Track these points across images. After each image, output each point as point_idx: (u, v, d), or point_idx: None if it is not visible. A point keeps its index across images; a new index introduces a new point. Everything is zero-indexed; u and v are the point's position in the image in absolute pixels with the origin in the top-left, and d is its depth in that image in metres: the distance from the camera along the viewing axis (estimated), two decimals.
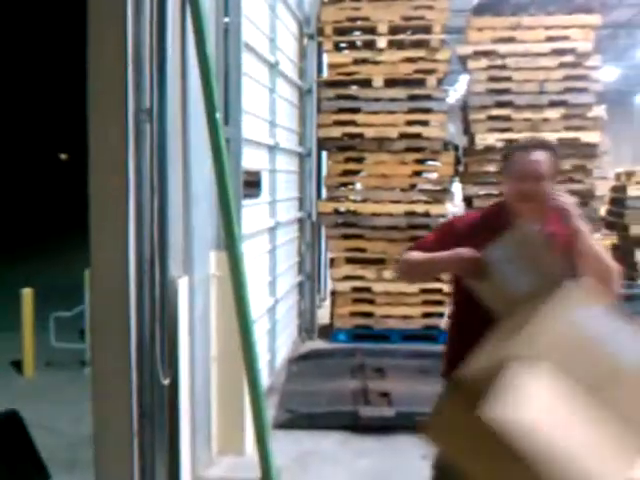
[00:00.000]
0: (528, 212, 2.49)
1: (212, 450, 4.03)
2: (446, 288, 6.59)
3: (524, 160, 2.50)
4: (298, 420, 4.59)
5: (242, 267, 3.76)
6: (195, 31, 3.61)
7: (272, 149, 5.58)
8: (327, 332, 6.91)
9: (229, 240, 3.75)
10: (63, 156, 30.14)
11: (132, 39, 3.16)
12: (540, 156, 2.49)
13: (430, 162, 6.84)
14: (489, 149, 6.77)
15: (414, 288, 6.50)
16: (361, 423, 4.55)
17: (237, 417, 4.11)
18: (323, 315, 7.36)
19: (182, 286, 3.34)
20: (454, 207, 8.29)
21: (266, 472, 3.86)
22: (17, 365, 7.22)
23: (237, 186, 4.29)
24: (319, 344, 6.67)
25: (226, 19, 4.43)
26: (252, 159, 4.89)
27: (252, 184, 4.83)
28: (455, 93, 15.42)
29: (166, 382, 3.10)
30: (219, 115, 3.68)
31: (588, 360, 1.91)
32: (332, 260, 6.87)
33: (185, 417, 3.36)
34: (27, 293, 7.42)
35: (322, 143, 6.99)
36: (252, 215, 4.84)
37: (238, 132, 4.45)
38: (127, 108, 3.13)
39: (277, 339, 5.69)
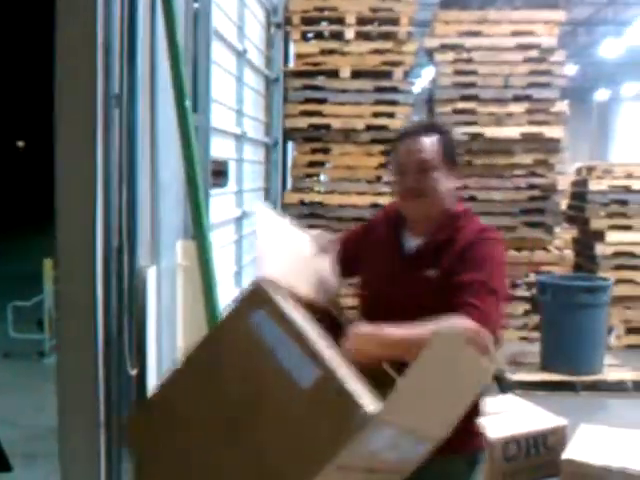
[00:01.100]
0: (414, 213, 2.14)
1: None
2: None
3: (406, 149, 2.11)
4: None
5: (210, 257, 3.71)
6: (165, 16, 3.54)
7: (239, 138, 5.54)
8: None
9: (197, 229, 3.69)
10: (20, 144, 29.56)
11: (102, 23, 3.09)
12: (425, 143, 2.08)
13: None
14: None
15: None
16: None
17: None
18: None
19: (150, 275, 3.29)
20: None
21: None
22: None
23: (205, 175, 4.24)
24: None
25: (195, 5, 4.37)
26: (219, 148, 4.84)
27: (219, 173, 4.78)
28: (418, 85, 15.50)
29: (133, 372, 3.06)
30: (188, 103, 3.63)
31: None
32: None
33: None
34: None
35: (288, 133, 6.96)
36: (218, 205, 4.79)
37: (206, 120, 4.40)
38: (96, 94, 3.06)
39: None
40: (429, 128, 2.17)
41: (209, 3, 4.46)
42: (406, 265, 2.13)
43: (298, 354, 1.62)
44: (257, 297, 1.76)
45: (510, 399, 4.32)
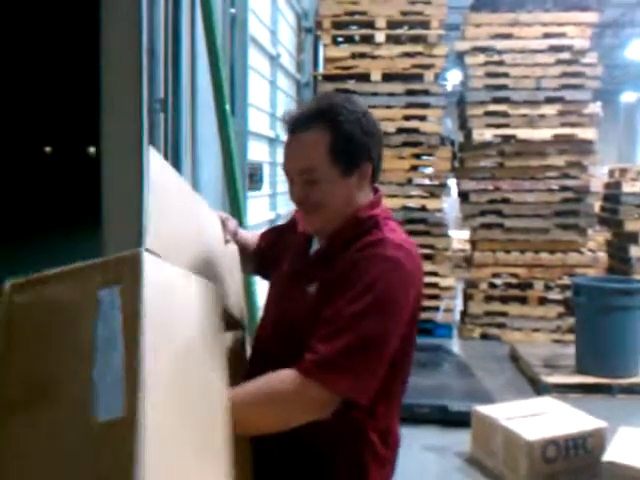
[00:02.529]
0: (307, 226, 1.71)
1: None
2: (442, 282, 6.66)
3: (288, 151, 1.67)
4: None
5: None
6: (205, 22, 3.60)
7: (272, 142, 5.59)
8: None
9: None
10: (47, 149, 29.93)
11: (146, 28, 3.15)
12: (307, 144, 1.60)
13: (427, 157, 6.87)
14: (486, 144, 6.81)
15: None
16: None
17: None
18: None
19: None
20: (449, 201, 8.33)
21: None
22: None
23: (243, 178, 4.29)
24: None
25: (232, 10, 4.42)
26: (254, 151, 4.90)
27: (254, 176, 4.83)
28: (447, 88, 15.46)
29: None
30: (228, 106, 3.68)
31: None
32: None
33: None
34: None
35: None
36: (253, 207, 4.84)
37: (244, 124, 4.45)
38: (141, 98, 3.11)
39: None
40: (316, 116, 1.61)
41: (245, 9, 4.52)
42: (294, 277, 1.73)
43: (117, 372, 1.22)
44: (123, 267, 1.31)
45: (547, 401, 4.30)
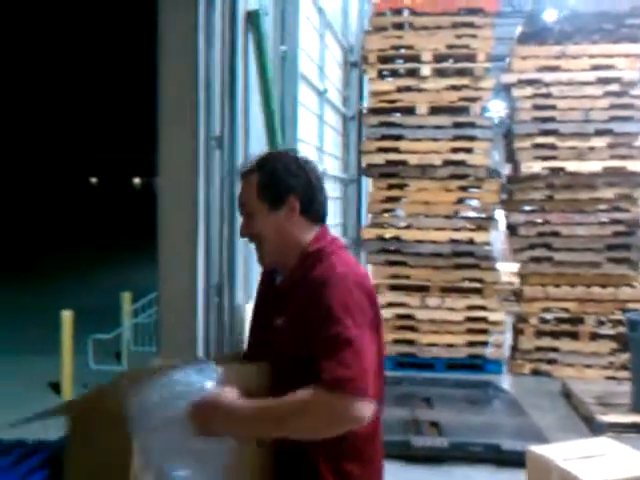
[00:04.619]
0: (257, 257, 2.05)
1: None
2: (491, 316, 6.56)
3: (238, 192, 2.08)
4: None
5: None
6: (258, 59, 3.65)
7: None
8: None
9: None
10: (93, 180, 30.56)
11: (203, 65, 3.19)
12: (243, 186, 2.01)
13: (474, 189, 6.83)
14: (534, 177, 6.75)
15: (459, 316, 6.48)
16: (413, 453, 4.49)
17: None
18: None
19: (248, 312, 3.33)
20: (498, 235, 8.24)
21: None
22: (55, 387, 7.26)
23: None
24: None
25: (282, 48, 4.47)
26: None
27: None
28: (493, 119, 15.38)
29: None
30: (280, 142, 3.71)
31: None
32: (375, 287, 6.84)
33: None
34: (67, 316, 7.49)
35: (365, 170, 7.00)
36: None
37: None
38: (198, 135, 3.15)
39: None
40: (253, 166, 2.01)
41: (295, 46, 4.57)
42: (265, 313, 2.04)
43: None
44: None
45: (605, 442, 4.18)
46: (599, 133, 6.67)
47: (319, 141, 5.58)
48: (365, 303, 1.84)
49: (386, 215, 6.91)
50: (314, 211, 1.98)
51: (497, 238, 8.75)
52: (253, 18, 3.51)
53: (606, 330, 6.50)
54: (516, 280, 7.24)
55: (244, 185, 2.00)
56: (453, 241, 6.62)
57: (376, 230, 6.81)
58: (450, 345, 6.53)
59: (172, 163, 3.16)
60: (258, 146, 3.71)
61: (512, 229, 6.95)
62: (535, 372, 6.51)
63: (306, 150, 5.03)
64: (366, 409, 1.72)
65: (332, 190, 6.32)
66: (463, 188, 6.75)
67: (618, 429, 4.88)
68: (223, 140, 3.23)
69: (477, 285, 6.54)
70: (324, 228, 2.01)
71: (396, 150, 6.74)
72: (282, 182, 1.93)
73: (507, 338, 6.97)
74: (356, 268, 1.92)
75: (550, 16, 7.35)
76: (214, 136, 3.17)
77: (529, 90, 6.83)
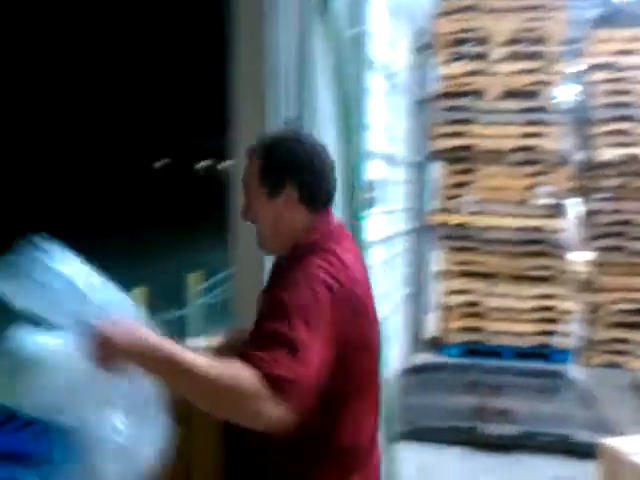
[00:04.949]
0: (260, 248, 1.96)
1: None
2: (561, 305, 6.43)
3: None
4: (417, 433, 4.54)
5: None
6: (328, 41, 3.65)
7: (388, 160, 5.58)
8: (436, 346, 6.83)
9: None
10: (158, 164, 31.16)
11: (275, 48, 3.21)
12: (248, 166, 1.91)
13: (545, 176, 6.69)
14: (607, 164, 6.57)
15: (527, 304, 6.38)
16: (482, 440, 4.46)
17: None
18: (431, 329, 7.29)
19: None
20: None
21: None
22: None
23: (363, 198, 4.29)
24: (429, 358, 6.59)
25: (352, 31, 4.45)
26: (371, 170, 4.89)
27: (371, 195, 4.83)
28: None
29: None
30: (351, 127, 3.71)
31: None
32: (443, 273, 6.79)
33: None
34: (140, 292, 7.65)
35: (434, 155, 6.93)
36: (371, 225, 4.83)
37: (362, 144, 4.46)
38: (269, 118, 3.17)
39: (388, 351, 5.66)
40: (258, 148, 1.90)
41: (366, 28, 4.54)
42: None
43: None
44: None
45: None
46: None
47: (387, 125, 5.54)
48: (330, 313, 1.67)
49: (455, 201, 6.83)
50: (317, 199, 1.88)
51: (568, 226, 8.56)
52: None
53: None
54: (588, 269, 7.08)
55: (248, 166, 1.90)
56: (523, 228, 6.51)
57: (444, 216, 6.75)
58: (518, 333, 6.44)
59: (244, 146, 3.19)
60: (329, 129, 3.72)
61: (584, 217, 6.79)
62: (605, 363, 6.37)
63: (375, 135, 5.01)
64: (286, 418, 1.56)
65: (400, 174, 6.28)
66: (534, 174, 6.61)
67: None
68: (294, 123, 3.24)
69: (547, 273, 6.41)
70: (326, 218, 1.90)
71: (466, 135, 6.65)
72: (283, 168, 1.85)
73: (576, 328, 6.84)
74: (343, 270, 1.75)
75: None
76: (285, 119, 3.19)
77: (603, 74, 6.64)
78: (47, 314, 1.63)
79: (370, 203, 4.93)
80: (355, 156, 3.75)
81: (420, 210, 7.04)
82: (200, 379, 1.54)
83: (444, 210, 6.79)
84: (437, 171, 7.19)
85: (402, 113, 6.35)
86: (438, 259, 7.09)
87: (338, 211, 4.01)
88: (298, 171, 1.85)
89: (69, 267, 1.69)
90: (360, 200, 3.77)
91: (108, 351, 1.58)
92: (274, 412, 1.54)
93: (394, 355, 5.86)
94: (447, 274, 6.67)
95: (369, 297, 1.88)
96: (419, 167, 7.03)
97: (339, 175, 3.69)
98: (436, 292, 7.14)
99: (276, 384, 1.53)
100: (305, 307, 1.64)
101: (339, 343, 1.70)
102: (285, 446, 1.75)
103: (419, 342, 7.02)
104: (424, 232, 7.09)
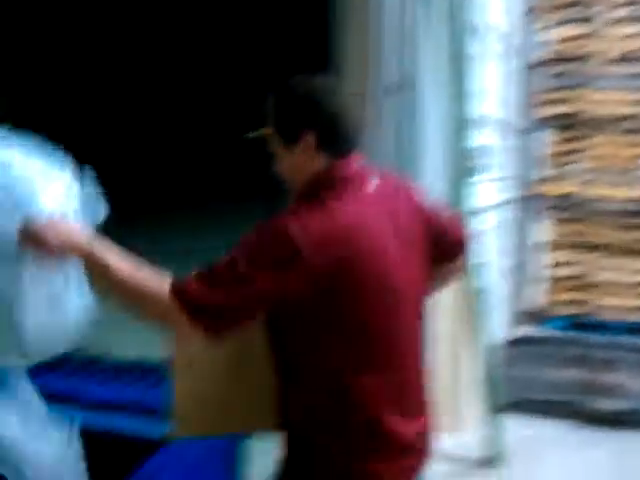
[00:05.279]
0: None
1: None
2: None
3: None
4: (521, 405, 4.47)
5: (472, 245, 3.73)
6: (438, 7, 3.58)
7: (495, 126, 5.45)
8: (540, 319, 6.66)
9: (465, 216, 3.72)
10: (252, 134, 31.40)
11: (383, 11, 3.17)
12: (266, 119, 1.90)
13: None
14: None
15: (637, 278, 6.13)
16: (588, 415, 4.34)
17: (461, 394, 4.07)
18: (535, 301, 7.10)
19: None
20: None
21: (494, 453, 3.80)
22: None
23: (470, 164, 4.23)
24: (532, 331, 6.44)
25: None
26: (479, 136, 4.80)
27: (480, 161, 4.74)
28: None
29: None
30: (460, 93, 3.65)
31: None
32: (548, 244, 6.60)
33: None
34: None
35: (543, 121, 6.71)
36: (481, 192, 4.76)
37: (469, 109, 4.37)
38: (375, 82, 3.15)
39: (490, 322, 5.57)
40: (270, 100, 1.88)
41: None
42: None
43: None
44: None
45: None
46: None
47: (496, 90, 5.41)
48: (290, 261, 1.66)
49: (562, 170, 6.60)
50: (336, 144, 1.83)
51: None
52: None
53: None
54: None
55: (266, 119, 1.89)
56: (635, 199, 6.23)
57: (551, 185, 6.53)
58: (628, 308, 6.19)
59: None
60: (437, 94, 3.67)
61: None
62: None
63: (483, 100, 4.90)
64: (194, 335, 1.68)
65: (505, 141, 6.11)
66: None
67: None
68: (401, 87, 3.21)
69: None
70: (344, 163, 1.83)
71: (575, 101, 6.40)
72: (296, 116, 1.82)
73: None
74: (328, 222, 1.72)
75: None
76: (391, 83, 3.16)
77: None
78: None
79: (478, 170, 4.85)
80: (464, 122, 3.69)
81: (526, 179, 6.84)
82: (118, 282, 1.69)
83: (551, 179, 6.57)
84: (544, 139, 6.96)
85: (511, 78, 6.17)
86: (543, 230, 6.90)
87: (444, 177, 3.96)
88: (313, 117, 1.80)
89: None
90: (467, 166, 3.72)
91: (40, 249, 1.75)
92: (178, 323, 1.67)
93: (497, 326, 5.76)
94: (553, 245, 6.48)
95: (377, 249, 1.78)
96: (526, 134, 6.82)
97: (448, 141, 3.67)
98: (541, 264, 6.95)
99: (180, 298, 1.65)
100: (251, 247, 1.70)
101: (312, 295, 1.69)
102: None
103: (522, 314, 6.86)
104: (530, 202, 6.89)
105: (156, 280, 1.68)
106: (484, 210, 5.03)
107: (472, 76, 4.38)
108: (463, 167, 3.64)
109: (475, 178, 4.86)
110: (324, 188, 1.78)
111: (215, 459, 2.45)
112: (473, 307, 3.67)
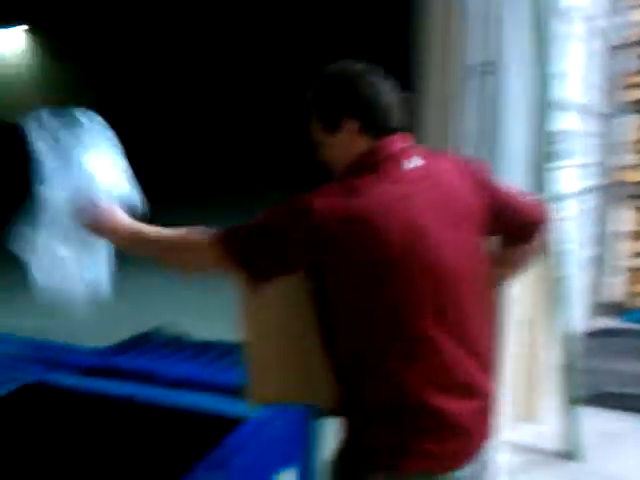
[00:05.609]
0: None
1: (513, 414, 3.95)
2: None
3: None
4: (600, 398, 4.35)
5: (560, 230, 3.64)
6: None
7: (578, 109, 5.29)
8: (619, 310, 6.48)
9: (550, 202, 3.63)
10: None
11: None
12: (310, 110, 1.91)
13: None
14: None
15: None
16: None
17: (540, 385, 3.98)
18: (614, 292, 6.91)
19: None
20: None
21: (571, 446, 3.72)
22: None
23: (553, 149, 4.11)
24: (611, 322, 6.27)
25: None
26: (559, 119, 4.66)
27: (561, 146, 4.60)
28: None
29: None
30: (544, 75, 3.55)
31: None
32: (629, 234, 6.39)
33: (508, 376, 3.29)
34: None
35: (626, 106, 6.48)
36: (562, 178, 4.62)
37: (554, 91, 4.24)
38: (462, 59, 3.09)
39: (569, 312, 5.43)
40: (310, 88, 1.89)
41: None
42: None
43: None
44: None
45: None
46: None
47: (576, 73, 5.23)
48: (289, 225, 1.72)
49: None
50: (377, 127, 1.81)
51: None
52: None
53: None
54: None
55: (310, 110, 1.89)
56: None
57: (634, 173, 6.32)
58: None
59: (435, 90, 3.13)
60: (521, 76, 3.56)
61: None
62: None
63: (567, 83, 4.75)
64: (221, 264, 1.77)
65: (590, 126, 5.93)
66: None
67: None
68: (488, 68, 3.14)
69: None
70: (381, 143, 1.81)
71: None
72: (335, 106, 1.82)
73: None
74: (355, 200, 1.70)
75: None
76: (474, 65, 3.10)
77: None
78: (58, 173, 2.02)
79: (560, 155, 4.71)
80: (547, 105, 3.58)
81: (608, 166, 6.63)
82: (162, 243, 1.89)
83: (634, 167, 6.35)
84: (629, 124, 6.72)
85: (594, 61, 5.97)
86: (624, 219, 6.68)
87: (526, 161, 3.86)
88: (351, 102, 1.80)
89: (96, 143, 2.07)
90: (550, 151, 3.62)
91: (92, 225, 2.02)
92: (223, 269, 1.78)
93: (575, 317, 5.61)
94: (634, 235, 6.27)
95: (413, 227, 1.72)
96: (609, 119, 6.60)
97: (531, 124, 3.57)
98: (620, 254, 6.74)
99: (225, 243, 1.76)
100: (277, 216, 1.74)
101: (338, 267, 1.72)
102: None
103: (600, 306, 6.68)
104: (611, 189, 6.68)
105: (197, 232, 1.83)
106: (565, 197, 4.90)
107: (556, 58, 4.25)
108: (546, 151, 3.53)
109: (557, 164, 4.74)
110: (364, 168, 1.78)
111: (293, 436, 2.47)
112: (554, 295, 3.57)
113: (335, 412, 1.94)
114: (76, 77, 25.53)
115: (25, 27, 28.10)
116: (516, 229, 1.99)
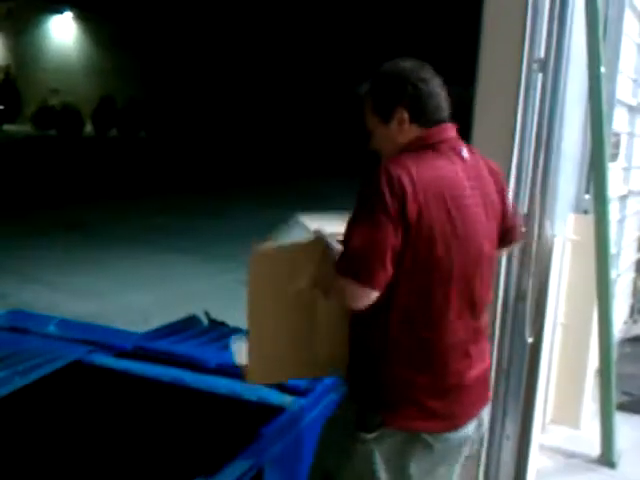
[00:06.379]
0: None
1: (546, 417, 3.92)
2: None
3: None
4: (637, 404, 4.29)
5: (608, 233, 3.56)
6: None
7: (632, 110, 5.18)
8: None
9: (598, 204, 3.56)
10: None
11: None
12: (364, 102, 2.06)
13: None
14: None
15: None
16: None
17: (576, 388, 3.94)
18: None
19: (557, 245, 3.22)
20: None
21: (607, 451, 3.68)
22: None
23: (607, 148, 4.03)
24: None
25: None
26: (614, 119, 4.56)
27: (612, 147, 4.51)
28: None
29: (530, 340, 3.03)
30: (603, 71, 3.47)
31: None
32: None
33: (543, 379, 3.27)
34: None
35: None
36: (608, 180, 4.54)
37: (611, 91, 4.15)
38: (522, 56, 3.04)
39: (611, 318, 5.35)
40: (367, 82, 2.05)
41: None
42: None
43: None
44: None
45: None
46: None
47: (635, 72, 5.10)
48: (383, 193, 1.81)
49: None
50: (427, 117, 1.97)
51: None
52: None
53: None
54: None
55: (364, 102, 2.05)
56: None
57: None
58: None
59: (493, 85, 3.08)
60: (579, 72, 3.49)
61: None
62: None
63: (621, 82, 4.66)
64: (355, 291, 1.82)
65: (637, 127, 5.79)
66: None
67: None
68: (547, 64, 3.08)
69: None
70: (432, 130, 1.97)
71: None
72: (387, 96, 1.98)
73: None
74: (419, 168, 1.86)
75: None
76: (538, 58, 3.04)
77: None
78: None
79: (613, 155, 4.62)
80: (601, 105, 3.51)
81: None
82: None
83: None
84: None
85: None
86: None
87: (582, 159, 3.80)
88: (402, 94, 1.95)
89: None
90: (606, 151, 3.55)
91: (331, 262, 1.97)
92: (355, 292, 1.83)
93: (616, 321, 5.51)
94: None
95: (467, 202, 1.91)
96: None
97: (588, 122, 3.50)
98: None
99: (345, 273, 1.83)
100: (368, 195, 1.84)
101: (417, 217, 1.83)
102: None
103: (638, 312, 6.55)
104: None
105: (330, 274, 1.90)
106: (615, 198, 4.82)
107: (616, 57, 4.16)
108: (601, 151, 3.46)
109: (611, 164, 4.66)
110: (423, 147, 1.94)
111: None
112: (603, 297, 3.52)
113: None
114: (126, 64, 25.82)
115: (73, 14, 28.52)
116: (505, 233, 2.16)
